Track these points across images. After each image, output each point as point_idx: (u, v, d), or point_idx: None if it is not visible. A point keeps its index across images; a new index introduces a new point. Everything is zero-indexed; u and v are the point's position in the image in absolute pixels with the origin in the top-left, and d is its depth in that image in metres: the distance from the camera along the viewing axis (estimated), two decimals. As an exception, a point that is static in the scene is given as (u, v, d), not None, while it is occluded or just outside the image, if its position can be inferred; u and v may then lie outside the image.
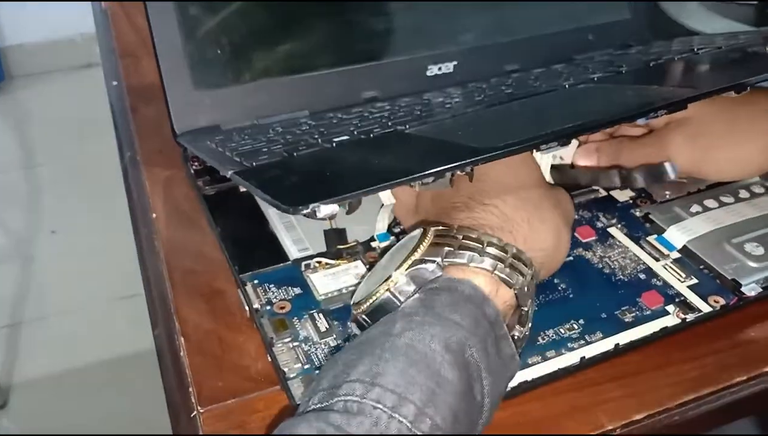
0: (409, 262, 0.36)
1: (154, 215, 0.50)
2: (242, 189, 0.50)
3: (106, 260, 1.51)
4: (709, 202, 0.49)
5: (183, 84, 0.50)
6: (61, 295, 1.50)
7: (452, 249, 0.36)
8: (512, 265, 0.36)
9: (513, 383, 0.37)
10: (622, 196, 0.51)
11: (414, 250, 0.37)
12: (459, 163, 0.31)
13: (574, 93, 0.46)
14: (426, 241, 0.37)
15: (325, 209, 0.29)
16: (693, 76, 0.50)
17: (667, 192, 0.50)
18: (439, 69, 0.57)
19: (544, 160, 0.47)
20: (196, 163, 0.51)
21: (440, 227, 0.38)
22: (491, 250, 0.36)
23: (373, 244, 0.45)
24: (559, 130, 0.33)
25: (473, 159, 0.31)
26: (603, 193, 0.51)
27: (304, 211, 0.28)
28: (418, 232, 0.38)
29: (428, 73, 0.57)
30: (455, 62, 0.57)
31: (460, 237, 0.37)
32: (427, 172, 0.30)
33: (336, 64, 0.55)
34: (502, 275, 0.36)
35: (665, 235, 0.46)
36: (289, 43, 0.54)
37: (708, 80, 0.50)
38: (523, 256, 0.37)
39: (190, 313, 0.42)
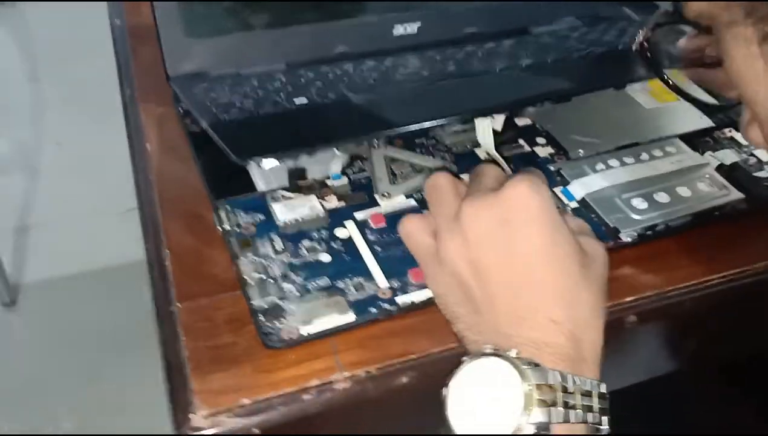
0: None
1: (148, 146, 0.60)
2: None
3: (106, 174, 1.61)
4: (612, 162, 0.58)
5: (175, 31, 0.58)
6: (64, 204, 1.60)
7: (558, 408, 0.35)
8: (601, 408, 0.37)
9: (423, 298, 0.47)
10: (543, 152, 0.60)
11: (522, 411, 0.35)
12: (373, 133, 0.40)
13: (498, 78, 0.55)
14: (530, 403, 0.35)
15: (267, 163, 0.38)
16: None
17: (580, 151, 0.60)
18: (405, 29, 0.65)
19: (482, 124, 0.55)
20: (183, 104, 0.60)
21: (530, 369, 0.36)
22: (583, 399, 0.36)
23: (328, 182, 0.55)
24: (463, 111, 0.43)
25: (386, 130, 0.41)
26: (527, 148, 0.60)
27: (251, 163, 0.38)
28: (514, 379, 0.36)
29: (394, 33, 0.65)
30: (419, 23, 0.66)
31: (558, 391, 0.36)
32: (346, 140, 0.39)
33: (311, 20, 0.63)
34: (596, 421, 0.37)
35: (569, 187, 0.56)
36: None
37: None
38: (602, 387, 0.38)
39: (175, 231, 0.52)
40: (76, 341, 1.33)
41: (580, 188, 0.56)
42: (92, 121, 1.75)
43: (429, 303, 0.46)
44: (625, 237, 0.52)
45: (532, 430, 0.35)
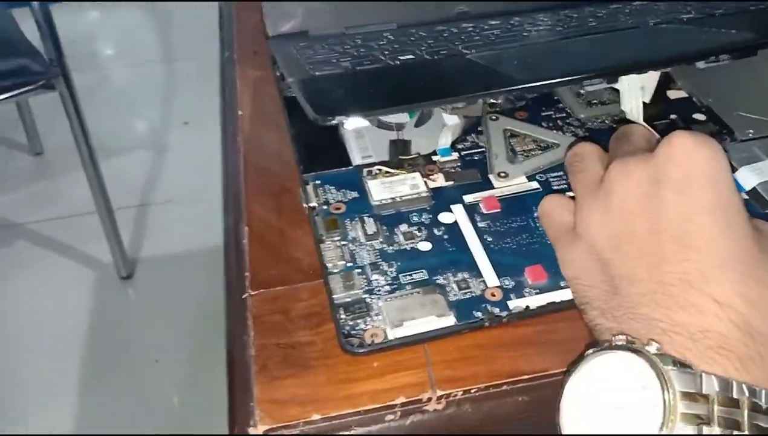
0: None
1: (240, 113, 0.54)
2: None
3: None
4: (794, 146, 0.46)
5: (277, -13, 0.52)
6: (187, 182, 1.61)
7: (714, 428, 0.26)
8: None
9: (541, 302, 0.38)
10: (702, 131, 0.49)
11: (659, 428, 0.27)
12: (489, 91, 0.32)
13: (653, 32, 0.44)
14: (671, 417, 0.27)
15: (352, 123, 0.31)
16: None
17: (750, 131, 0.48)
18: (536, -15, 0.56)
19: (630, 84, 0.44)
20: (279, 66, 0.54)
21: (671, 360, 0.28)
22: (754, 417, 0.27)
23: (435, 158, 0.47)
24: (606, 68, 0.33)
25: (506, 88, 0.32)
26: (681, 125, 0.49)
27: (332, 122, 0.30)
28: (650, 382, 0.27)
29: (523, -11, 0.56)
30: (554, -22, 0.56)
31: (714, 403, 0.27)
32: (454, 98, 0.31)
33: (428, -25, 0.55)
34: None
35: (736, 175, 0.45)
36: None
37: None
38: None
39: (258, 207, 0.46)
40: (186, 318, 1.33)
41: (750, 176, 0.44)
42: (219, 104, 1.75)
43: (549, 310, 0.37)
44: (812, 240, 0.41)
45: None
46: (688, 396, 0.27)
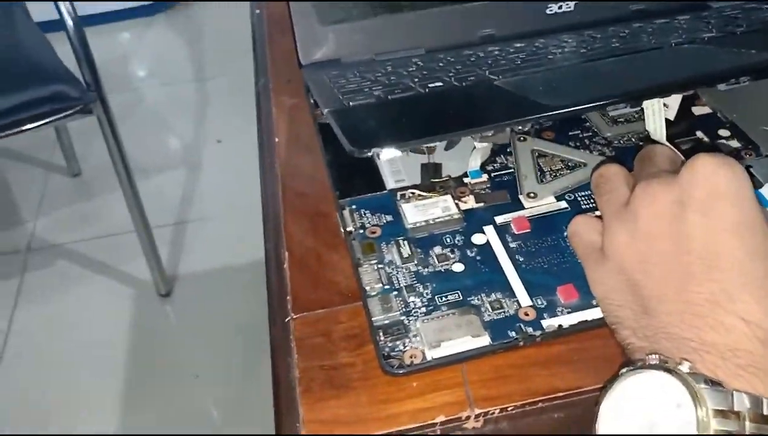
0: None
1: (276, 140, 0.56)
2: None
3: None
4: (821, 160, 0.47)
5: (309, 18, 0.54)
6: (222, 199, 1.64)
7: None
8: None
9: (573, 321, 0.39)
10: (727, 147, 0.50)
11: None
12: (516, 119, 0.33)
13: (674, 53, 0.45)
14: (704, 433, 0.28)
15: (386, 154, 0.32)
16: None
17: (776, 145, 0.49)
18: (560, 7, 0.57)
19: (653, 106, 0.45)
20: (313, 94, 0.56)
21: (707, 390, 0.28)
22: None
23: (465, 180, 0.48)
24: (629, 92, 0.34)
25: (533, 116, 0.33)
26: (706, 141, 0.50)
27: (367, 154, 0.32)
28: (683, 400, 0.28)
29: (548, 12, 0.57)
30: (576, 0, 0.57)
31: (746, 420, 0.28)
32: (483, 127, 0.33)
33: (454, 0, 0.56)
34: None
35: (761, 190, 0.45)
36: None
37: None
38: None
39: (296, 231, 0.48)
40: (225, 334, 1.35)
41: (776, 191, 0.45)
42: (252, 119, 1.78)
43: (581, 328, 0.38)
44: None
45: None
46: (720, 413, 0.28)
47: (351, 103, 0.41)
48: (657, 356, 0.31)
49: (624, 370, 0.31)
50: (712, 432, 0.28)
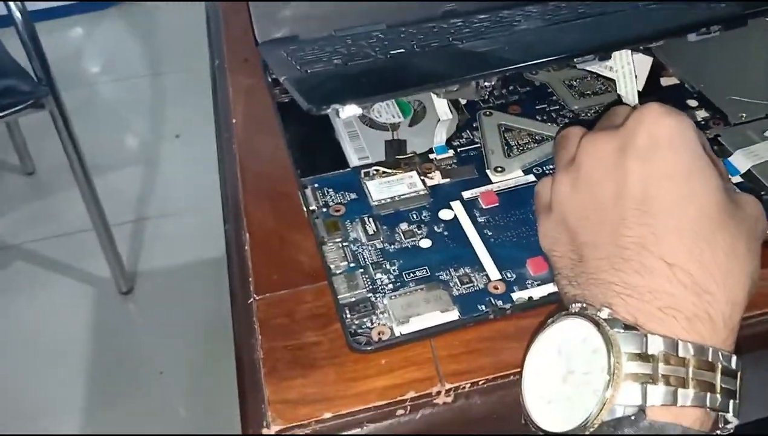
0: (600, 416, 0.27)
1: (234, 121, 0.54)
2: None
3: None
4: (786, 126, 0.47)
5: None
6: (182, 195, 1.61)
7: (659, 386, 0.27)
8: (725, 389, 0.28)
9: (544, 293, 0.38)
10: (696, 117, 0.49)
11: (604, 388, 0.27)
12: (482, 72, 0.32)
13: (643, 10, 0.44)
14: (616, 377, 0.27)
15: (348, 110, 0.31)
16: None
17: (742, 114, 0.48)
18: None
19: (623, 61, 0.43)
20: (271, 71, 0.54)
21: (618, 322, 0.29)
22: (700, 374, 0.28)
23: (431, 156, 0.47)
24: (598, 45, 0.34)
25: (499, 69, 0.32)
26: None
27: (326, 111, 0.30)
28: (598, 345, 0.28)
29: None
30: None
31: (659, 362, 0.27)
32: (446, 81, 0.31)
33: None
34: (717, 407, 0.28)
35: (730, 159, 0.45)
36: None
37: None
38: (732, 361, 0.29)
39: (257, 212, 0.46)
40: (188, 329, 1.33)
41: (744, 159, 0.45)
42: (211, 115, 1.75)
43: (552, 300, 0.37)
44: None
45: (620, 413, 0.27)
46: (637, 357, 0.28)
47: (309, 71, 0.40)
48: (580, 304, 0.31)
49: (549, 320, 0.31)
50: (625, 376, 0.27)
